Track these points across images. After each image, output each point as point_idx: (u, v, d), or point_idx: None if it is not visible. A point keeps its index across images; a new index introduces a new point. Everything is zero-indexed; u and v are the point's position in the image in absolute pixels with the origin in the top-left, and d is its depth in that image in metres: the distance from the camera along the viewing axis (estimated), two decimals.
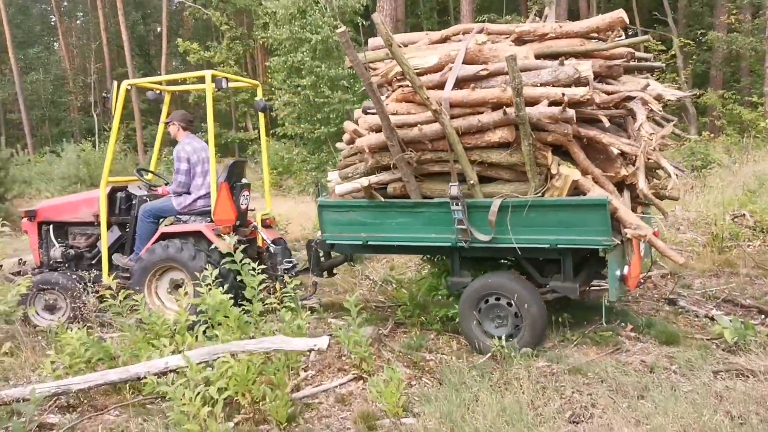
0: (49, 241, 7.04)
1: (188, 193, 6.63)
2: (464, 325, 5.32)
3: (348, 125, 5.76)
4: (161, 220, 6.75)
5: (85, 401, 4.53)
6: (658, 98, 4.77)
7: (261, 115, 7.38)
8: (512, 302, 5.09)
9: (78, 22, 44.00)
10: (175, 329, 4.97)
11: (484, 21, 17.33)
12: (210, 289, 4.82)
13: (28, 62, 36.78)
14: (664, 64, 6.70)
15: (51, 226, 7.06)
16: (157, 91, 7.21)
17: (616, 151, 4.65)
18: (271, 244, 6.88)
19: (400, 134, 5.10)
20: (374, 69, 5.54)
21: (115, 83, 6.62)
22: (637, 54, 5.17)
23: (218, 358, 4.17)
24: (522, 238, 4.93)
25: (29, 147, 29.06)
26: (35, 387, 4.11)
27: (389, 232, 5.54)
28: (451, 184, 5.03)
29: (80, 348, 4.68)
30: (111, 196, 6.91)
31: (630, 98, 4.56)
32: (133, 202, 6.94)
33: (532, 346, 5.07)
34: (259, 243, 7.06)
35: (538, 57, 5.00)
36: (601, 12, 18.00)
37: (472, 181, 4.97)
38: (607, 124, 4.61)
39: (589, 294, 6.13)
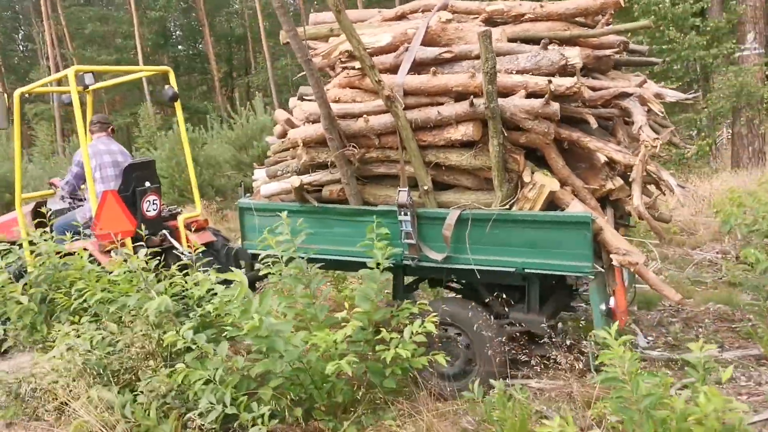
0: None
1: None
2: None
3: (280, 114, 4.79)
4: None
5: None
6: (658, 97, 3.92)
7: (177, 106, 6.34)
8: (467, 337, 4.21)
9: None
10: None
11: None
12: None
13: (278, 48, 36.44)
14: (661, 60, 5.87)
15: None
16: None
17: (602, 159, 3.79)
18: (184, 252, 5.83)
19: (342, 126, 4.15)
20: (314, 49, 4.60)
21: (5, 95, 6.04)
22: (631, 46, 4.34)
23: None
24: (483, 258, 4.02)
25: None
26: None
27: (321, 244, 4.58)
28: (399, 189, 4.10)
29: None
30: (37, 212, 6.14)
31: (625, 95, 3.69)
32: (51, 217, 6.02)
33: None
34: (184, 247, 6.05)
35: (511, 41, 4.11)
36: None
37: (426, 187, 4.04)
38: (594, 125, 3.74)
39: (556, 329, 5.25)
